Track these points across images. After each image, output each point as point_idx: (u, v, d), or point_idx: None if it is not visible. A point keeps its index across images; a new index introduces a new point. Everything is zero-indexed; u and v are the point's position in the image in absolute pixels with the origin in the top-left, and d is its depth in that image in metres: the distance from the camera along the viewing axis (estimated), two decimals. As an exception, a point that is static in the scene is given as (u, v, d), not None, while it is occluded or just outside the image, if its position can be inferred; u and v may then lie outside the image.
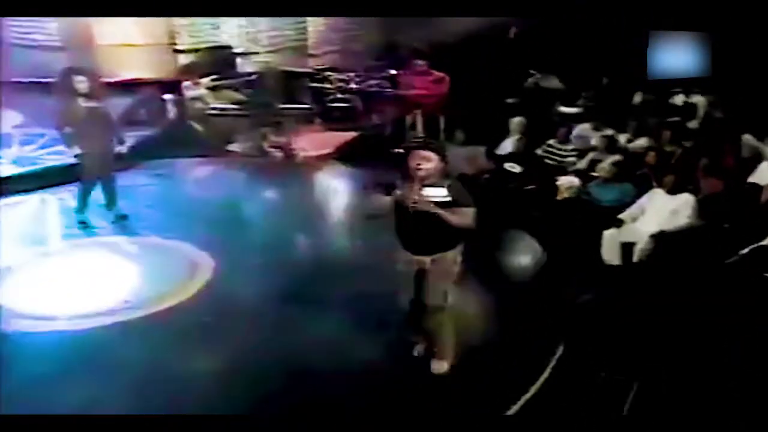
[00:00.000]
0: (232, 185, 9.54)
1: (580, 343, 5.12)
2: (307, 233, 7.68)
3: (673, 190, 7.11)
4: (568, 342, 5.08)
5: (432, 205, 4.35)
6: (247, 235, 7.53)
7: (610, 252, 7.14)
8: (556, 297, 6.10)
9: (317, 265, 6.69)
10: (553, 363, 4.83)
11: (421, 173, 4.39)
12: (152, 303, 5.90)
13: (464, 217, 4.43)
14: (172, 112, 11.82)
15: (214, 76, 12.57)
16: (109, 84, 9.90)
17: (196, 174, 10.37)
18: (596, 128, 9.81)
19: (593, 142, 9.61)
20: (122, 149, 7.95)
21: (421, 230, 4.47)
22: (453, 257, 4.63)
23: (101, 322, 5.62)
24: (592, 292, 6.33)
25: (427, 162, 4.40)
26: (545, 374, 4.72)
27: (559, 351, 4.98)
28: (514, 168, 8.86)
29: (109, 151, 7.84)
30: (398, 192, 4.50)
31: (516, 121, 10.01)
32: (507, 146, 9.84)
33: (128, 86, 11.86)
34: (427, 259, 4.59)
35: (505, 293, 6.13)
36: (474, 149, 9.26)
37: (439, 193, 4.42)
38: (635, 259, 6.89)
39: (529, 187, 8.66)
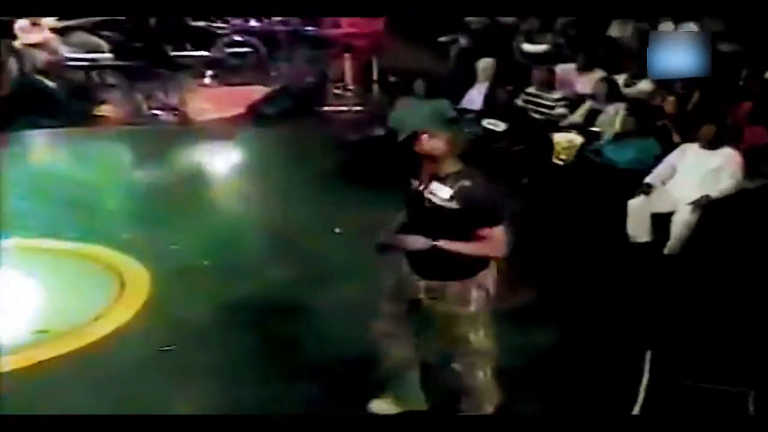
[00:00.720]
0: (117, 163, 9.11)
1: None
2: (246, 221, 7.42)
3: (712, 144, 7.17)
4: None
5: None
6: (172, 230, 7.13)
7: (637, 226, 7.18)
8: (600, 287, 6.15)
9: (279, 263, 6.48)
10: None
11: (425, 147, 3.92)
12: (82, 332, 5.52)
13: (485, 245, 3.92)
14: (12, 65, 11.03)
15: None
16: None
17: (61, 150, 9.78)
18: (582, 70, 9.89)
19: (579, 87, 9.72)
20: None
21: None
22: (460, 292, 4.05)
23: (9, 363, 5.10)
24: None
25: (432, 137, 3.92)
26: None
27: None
28: (497, 125, 8.82)
29: None
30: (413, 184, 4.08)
31: (483, 65, 9.96)
32: (474, 97, 9.80)
33: None
34: (421, 284, 4.10)
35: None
36: (439, 104, 9.11)
37: (442, 195, 3.92)
38: (676, 233, 6.97)
39: (518, 148, 8.67)
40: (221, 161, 9.34)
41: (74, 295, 6.04)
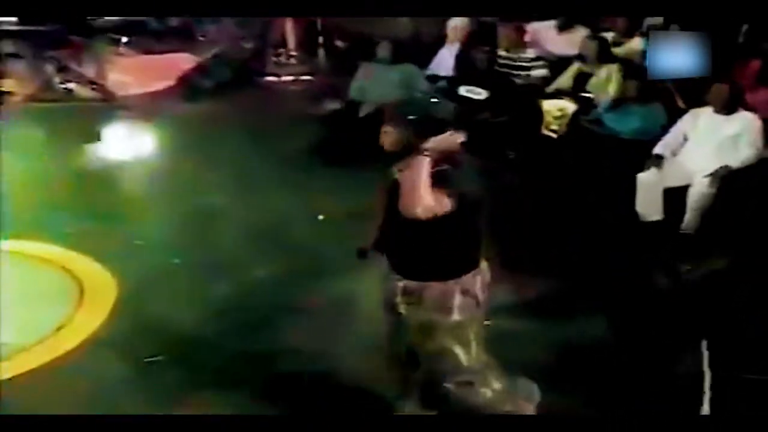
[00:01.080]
0: (35, 147, 8.93)
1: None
2: (212, 210, 7.41)
3: (728, 108, 7.27)
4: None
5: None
6: (125, 224, 7.10)
7: (649, 203, 7.30)
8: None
9: (263, 257, 6.50)
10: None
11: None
12: (45, 344, 5.48)
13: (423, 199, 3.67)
14: None
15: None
16: None
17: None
18: (563, 29, 10.02)
19: (551, 46, 9.84)
20: None
21: (401, 228, 3.89)
22: (440, 296, 3.96)
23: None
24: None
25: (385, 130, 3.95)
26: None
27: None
28: (479, 94, 8.87)
29: None
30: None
31: (454, 23, 9.98)
32: (445, 61, 9.85)
33: None
34: (399, 285, 4.03)
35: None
36: (408, 70, 9.18)
37: None
38: (693, 208, 7.11)
39: (501, 119, 8.74)
40: (162, 142, 9.19)
41: (27, 302, 5.95)
